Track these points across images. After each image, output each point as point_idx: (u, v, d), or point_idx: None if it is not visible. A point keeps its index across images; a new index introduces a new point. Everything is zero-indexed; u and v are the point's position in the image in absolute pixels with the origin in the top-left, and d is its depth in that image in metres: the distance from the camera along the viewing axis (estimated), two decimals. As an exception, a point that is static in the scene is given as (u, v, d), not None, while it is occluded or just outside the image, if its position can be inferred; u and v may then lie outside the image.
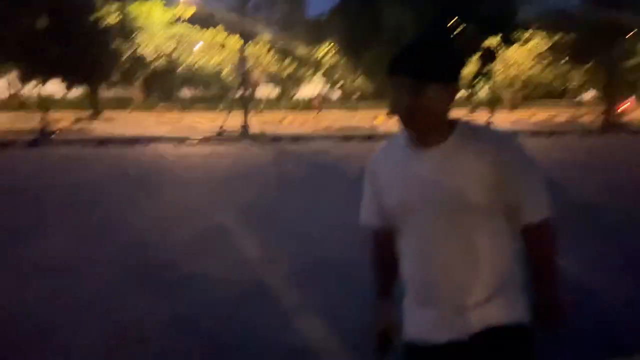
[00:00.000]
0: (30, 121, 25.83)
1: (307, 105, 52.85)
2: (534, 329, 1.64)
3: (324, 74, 49.60)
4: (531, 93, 50.20)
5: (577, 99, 56.19)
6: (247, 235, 6.31)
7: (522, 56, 40.96)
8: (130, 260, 5.30)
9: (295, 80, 51.90)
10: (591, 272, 4.81)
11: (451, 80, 1.55)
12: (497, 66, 40.98)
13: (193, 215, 7.37)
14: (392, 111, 1.56)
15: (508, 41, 22.25)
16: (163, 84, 51.22)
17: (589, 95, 58.80)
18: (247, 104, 22.85)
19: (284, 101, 54.33)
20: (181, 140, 18.04)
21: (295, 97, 57.05)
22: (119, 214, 7.40)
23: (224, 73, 47.90)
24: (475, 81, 24.54)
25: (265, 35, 41.89)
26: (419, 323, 1.67)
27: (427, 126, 1.55)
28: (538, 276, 1.67)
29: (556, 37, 37.90)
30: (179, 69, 43.21)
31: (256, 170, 12.14)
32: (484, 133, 1.61)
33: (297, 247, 5.75)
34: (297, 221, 7.03)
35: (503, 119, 32.57)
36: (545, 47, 39.43)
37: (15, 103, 43.64)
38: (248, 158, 14.84)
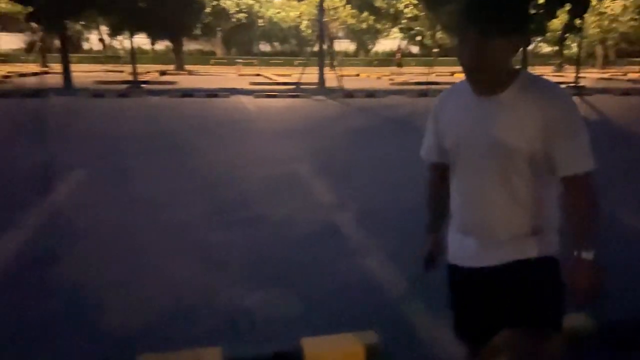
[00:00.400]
0: (120, 74, 27.43)
1: (385, 59, 51.96)
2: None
3: (403, 28, 48.35)
4: (627, 49, 46.57)
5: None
6: (318, 181, 6.64)
7: (618, 8, 37.95)
8: (212, 198, 5.80)
9: (373, 34, 51.02)
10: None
11: (515, 33, 1.65)
12: (590, 19, 38.23)
13: (269, 161, 7.80)
14: (459, 61, 1.71)
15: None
16: (243, 37, 52.16)
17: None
18: (323, 58, 22.95)
19: (361, 55, 53.72)
20: (259, 93, 18.57)
21: (372, 51, 56.22)
22: (202, 158, 7.97)
23: (302, 26, 47.98)
24: (566, 36, 23.07)
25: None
26: (460, 249, 1.87)
27: (489, 76, 1.69)
28: (571, 228, 1.73)
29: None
30: (259, 23, 43.67)
31: (330, 122, 12.41)
32: (540, 85, 1.71)
33: (364, 194, 6.02)
34: (366, 170, 7.29)
35: (593, 77, 30.65)
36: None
37: (105, 56, 46.04)
38: (323, 110, 15.11)
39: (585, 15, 25.33)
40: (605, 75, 32.24)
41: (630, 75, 32.30)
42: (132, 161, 7.66)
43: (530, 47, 37.88)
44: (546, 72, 38.23)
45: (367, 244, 4.52)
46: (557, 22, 29.48)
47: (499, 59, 1.65)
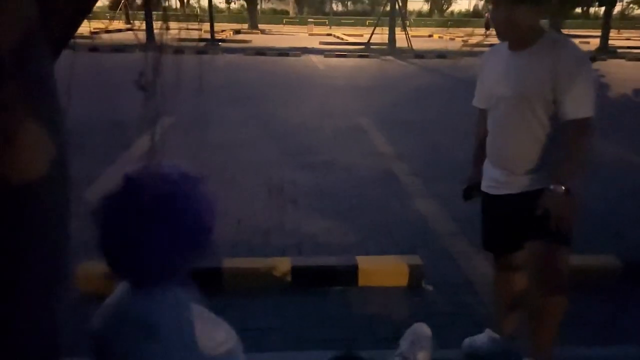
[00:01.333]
0: (197, 32, 28.39)
1: (460, 20, 50.26)
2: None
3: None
4: None
5: None
6: (380, 134, 7.09)
7: None
8: (285, 144, 6.43)
9: (448, -6, 49.40)
10: None
11: (539, 2, 2.03)
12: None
13: (336, 115, 8.30)
14: (492, 23, 2.11)
15: None
16: (315, -3, 51.99)
17: None
18: (394, 17, 22.79)
19: (435, 15, 52.23)
20: (329, 52, 18.91)
21: (447, 11, 54.49)
22: (276, 110, 8.60)
23: (375, -14, 47.13)
24: None
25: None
26: (490, 179, 2.30)
27: (518, 35, 2.08)
28: (560, 164, 2.03)
29: None
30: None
31: (396, 81, 12.66)
32: (558, 43, 2.06)
33: (423, 148, 6.43)
34: (427, 126, 7.67)
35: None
36: None
37: (184, 14, 47.20)
38: (391, 70, 15.32)
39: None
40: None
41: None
42: (213, 111, 8.38)
43: (618, 9, 35.40)
44: (635, 35, 35.80)
45: (420, 189, 4.97)
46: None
47: (525, 21, 2.02)
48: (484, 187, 2.35)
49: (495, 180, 2.27)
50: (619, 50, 21.74)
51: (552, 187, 2.03)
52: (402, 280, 3.27)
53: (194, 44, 21.08)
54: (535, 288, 2.17)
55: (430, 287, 3.26)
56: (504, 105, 2.17)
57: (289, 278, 3.21)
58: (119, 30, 29.78)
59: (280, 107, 8.86)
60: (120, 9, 34.55)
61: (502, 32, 2.11)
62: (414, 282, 3.27)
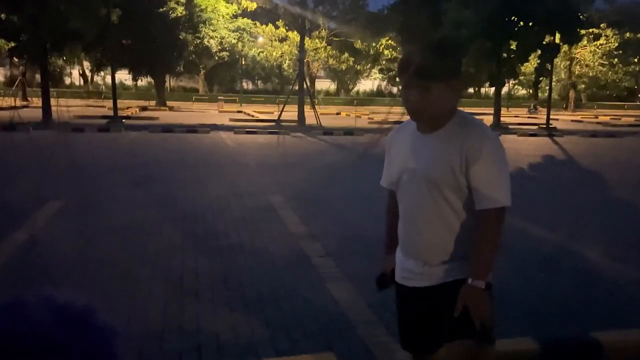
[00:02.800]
0: (100, 109, 27.58)
1: (365, 99, 52.99)
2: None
3: (383, 69, 49.59)
4: (597, 93, 48.33)
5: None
6: (293, 213, 6.83)
7: (588, 54, 39.57)
8: (189, 227, 5.95)
9: (353, 74, 52.18)
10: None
11: (451, 79, 1.86)
12: (562, 64, 39.75)
13: (246, 194, 7.97)
14: (403, 103, 1.91)
15: (571, 40, 21.63)
16: (225, 75, 52.85)
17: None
18: (303, 96, 23.44)
19: (342, 95, 54.74)
20: (239, 129, 18.85)
21: (353, 91, 57.37)
22: (181, 190, 8.11)
23: (284, 66, 48.93)
24: (540, 79, 23.99)
25: (324, 30, 42.40)
26: (402, 269, 2.08)
27: (429, 117, 1.90)
28: (473, 255, 1.88)
29: (627, 35, 36.43)
30: (241, 62, 44.40)
31: (306, 158, 12.68)
32: (468, 124, 1.91)
33: (335, 226, 6.22)
34: (339, 203, 7.52)
35: (565, 119, 31.67)
36: (615, 45, 37.95)
37: (87, 91, 46.15)
38: (301, 146, 15.42)
39: (557, 60, 26.41)
40: (577, 118, 33.35)
41: (601, 118, 33.47)
42: (110, 192, 7.77)
43: (505, 90, 39.03)
44: (521, 113, 39.37)
45: (333, 271, 4.69)
46: (531, 66, 30.65)
47: (436, 101, 1.85)
48: (398, 277, 2.11)
49: (409, 270, 2.04)
50: (510, 127, 23.58)
51: (470, 281, 1.84)
52: (317, 383, 2.90)
53: (95, 121, 20.33)
54: None
55: (347, 390, 2.90)
56: (413, 191, 1.97)
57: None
58: (14, 108, 28.26)
59: (185, 188, 8.39)
60: (17, 86, 32.97)
61: (412, 112, 1.93)
62: (330, 385, 2.90)
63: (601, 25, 33.10)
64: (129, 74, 38.79)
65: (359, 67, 48.36)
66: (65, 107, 21.92)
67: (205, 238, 5.60)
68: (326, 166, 11.39)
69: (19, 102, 31.62)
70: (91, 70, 46.29)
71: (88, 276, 4.43)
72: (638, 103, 52.02)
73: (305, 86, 23.20)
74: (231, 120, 24.17)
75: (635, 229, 6.62)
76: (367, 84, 59.76)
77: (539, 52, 21.18)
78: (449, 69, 1.87)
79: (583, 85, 45.25)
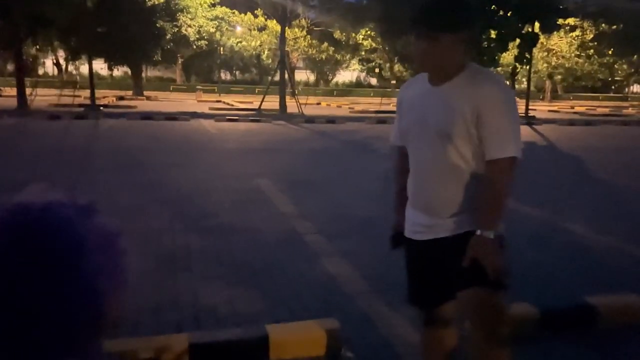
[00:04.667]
0: (76, 98, 27.00)
1: (344, 90, 53.00)
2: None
3: (362, 60, 49.60)
4: (573, 84, 49.17)
5: (623, 92, 54.55)
6: (281, 194, 6.80)
7: (564, 45, 40.15)
8: (179, 209, 5.87)
9: (332, 65, 52.09)
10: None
11: (460, 30, 1.86)
12: (539, 55, 40.26)
13: (232, 177, 7.90)
14: (414, 55, 1.92)
15: (549, 29, 21.89)
16: (203, 65, 52.29)
17: (635, 88, 56.98)
18: (285, 85, 23.33)
19: (321, 85, 54.64)
20: (220, 117, 18.67)
21: (332, 82, 57.29)
22: (167, 174, 8.00)
23: (262, 56, 48.58)
24: (517, 70, 24.26)
25: (304, 20, 42.16)
26: (414, 224, 2.07)
27: (438, 69, 1.90)
28: (482, 206, 1.88)
29: (602, 27, 37.01)
30: (220, 52, 43.93)
31: (290, 144, 12.61)
32: (481, 75, 1.91)
33: (324, 206, 6.22)
34: (324, 185, 7.52)
35: (543, 109, 32.13)
36: (590, 37, 38.57)
37: (61, 81, 45.18)
38: (283, 133, 15.34)
39: (535, 51, 26.71)
40: (554, 108, 33.87)
41: (577, 109, 34.06)
42: (95, 177, 7.61)
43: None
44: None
45: (326, 247, 4.68)
46: (509, 57, 30.96)
47: (446, 52, 1.85)
48: (408, 232, 2.11)
49: (419, 224, 2.03)
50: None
51: (479, 232, 1.84)
52: (320, 349, 2.89)
53: (72, 109, 19.90)
54: (477, 341, 1.93)
55: (350, 355, 2.90)
56: (425, 144, 1.96)
57: (185, 358, 2.69)
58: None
59: (170, 172, 8.25)
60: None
61: (422, 63, 1.93)
62: (333, 350, 2.90)
63: (577, 17, 33.59)
64: (105, 63, 38.08)
65: (338, 58, 48.29)
66: (33, 95, 21.33)
67: (195, 218, 5.53)
68: (311, 151, 11.35)
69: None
70: (65, 60, 45.34)
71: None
72: (612, 94, 53.05)
73: (286, 75, 23.08)
74: (211, 109, 23.93)
75: (615, 205, 6.77)
76: (346, 75, 59.72)
77: (518, 41, 21.37)
78: (458, 20, 1.86)
79: (559, 76, 45.95)
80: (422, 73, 2.06)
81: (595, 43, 38.79)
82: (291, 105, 22.65)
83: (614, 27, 35.69)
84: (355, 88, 55.64)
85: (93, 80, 23.29)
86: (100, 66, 42.60)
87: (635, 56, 39.23)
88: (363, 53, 47.21)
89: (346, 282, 3.92)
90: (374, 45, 44.17)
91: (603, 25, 36.47)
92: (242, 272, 4.05)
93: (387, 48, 41.37)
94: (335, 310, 3.38)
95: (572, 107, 35.53)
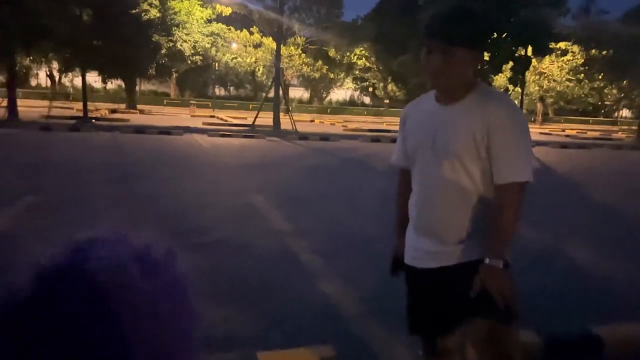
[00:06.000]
0: (69, 110, 26.86)
1: (338, 108, 53.18)
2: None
3: (356, 78, 49.86)
4: (564, 107, 49.67)
5: (612, 116, 55.20)
6: (276, 211, 6.69)
7: (556, 69, 40.62)
8: (172, 225, 5.73)
9: (327, 83, 52.31)
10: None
11: (476, 46, 1.80)
12: (531, 78, 40.70)
13: (226, 193, 7.79)
14: (424, 70, 1.83)
15: (542, 53, 22.14)
16: (197, 80, 52.29)
17: (624, 113, 57.70)
18: (278, 102, 23.32)
19: (315, 103, 54.81)
20: (213, 132, 18.57)
21: (326, 100, 57.49)
22: (160, 189, 7.87)
23: (257, 72, 48.70)
24: (509, 92, 24.47)
25: (300, 38, 42.41)
26: (416, 250, 1.96)
27: (451, 85, 1.83)
28: (491, 233, 1.79)
29: (592, 52, 37.54)
30: (214, 67, 43.97)
31: (284, 160, 12.53)
32: (492, 95, 1.85)
33: (320, 224, 6.12)
34: (322, 203, 7.42)
35: (534, 131, 32.37)
36: (581, 61, 39.06)
37: (54, 92, 44.95)
38: (278, 149, 15.26)
39: (527, 74, 26.97)
40: (545, 131, 34.13)
41: (568, 132, 34.34)
42: (86, 190, 7.47)
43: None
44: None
45: (322, 268, 4.57)
46: (502, 80, 31.26)
47: (458, 68, 1.78)
48: (409, 259, 2.00)
49: (422, 250, 1.93)
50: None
51: (487, 261, 1.75)
52: (315, 376, 2.77)
53: (64, 121, 19.74)
54: None
55: (347, 383, 2.79)
56: (432, 165, 1.87)
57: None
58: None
59: (162, 186, 8.13)
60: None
61: (434, 79, 1.85)
62: (329, 378, 2.78)
63: (568, 42, 34.02)
64: (99, 75, 37.91)
65: (332, 76, 48.46)
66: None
67: (189, 234, 5.40)
68: (305, 168, 11.26)
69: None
70: (59, 71, 45.13)
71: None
72: (602, 118, 53.62)
73: (280, 92, 23.10)
74: (204, 124, 23.83)
75: (618, 230, 6.70)
76: (340, 93, 59.93)
77: (511, 64, 21.56)
78: (475, 34, 1.80)
79: (551, 100, 46.42)
80: (427, 93, 1.99)
81: (586, 67, 39.29)
82: (285, 122, 22.61)
83: (604, 52, 36.23)
84: (348, 106, 55.83)
85: (86, 93, 23.15)
86: (94, 79, 42.47)
87: (625, 81, 39.78)
88: (357, 72, 47.46)
89: (343, 303, 3.80)
90: (368, 64, 44.44)
91: (593, 50, 37.00)
92: (237, 291, 3.93)
93: (381, 68, 41.65)
94: (330, 334, 3.27)
95: (563, 130, 35.84)
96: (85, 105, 22.07)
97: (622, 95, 45.68)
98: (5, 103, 21.23)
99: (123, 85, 40.20)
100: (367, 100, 59.21)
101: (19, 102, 21.46)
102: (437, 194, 1.88)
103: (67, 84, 52.34)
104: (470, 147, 1.79)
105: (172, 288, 0.61)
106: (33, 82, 53.37)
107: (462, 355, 2.08)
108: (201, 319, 0.62)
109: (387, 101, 47.76)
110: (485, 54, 20.49)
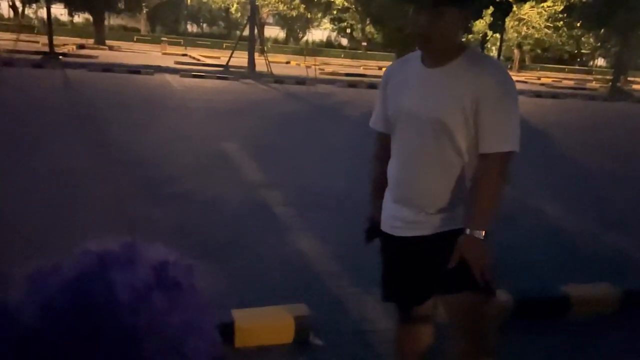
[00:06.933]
0: (33, 45, 25.58)
1: (314, 49, 52.07)
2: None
3: (333, 19, 48.60)
4: (540, 55, 49.60)
5: (588, 65, 55.49)
6: (248, 160, 6.55)
7: (535, 15, 40.22)
8: (140, 173, 5.57)
9: (304, 23, 50.94)
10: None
11: (465, 5, 1.71)
12: (509, 24, 40.27)
13: (197, 139, 7.59)
14: (412, 30, 1.72)
15: (522, -1, 21.77)
16: (169, 16, 50.32)
17: (599, 62, 58.01)
18: (254, 42, 22.60)
19: (291, 43, 53.52)
20: (186, 72, 17.99)
21: (303, 40, 56.16)
22: (127, 133, 7.61)
23: (231, 9, 47.02)
24: (487, 38, 24.17)
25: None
26: (394, 218, 1.90)
27: (439, 47, 1.72)
28: (472, 203, 1.74)
29: (572, -1, 37.11)
30: (187, 2, 42.24)
31: (259, 106, 12.26)
32: (482, 61, 1.75)
33: (294, 175, 6.03)
34: (296, 153, 7.30)
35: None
36: (560, 8, 38.70)
37: (18, 25, 42.72)
38: (252, 93, 14.91)
39: (506, 20, 26.56)
40: (521, 78, 34.12)
41: (543, 80, 34.41)
42: (46, 133, 7.18)
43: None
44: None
45: (296, 221, 4.51)
46: (481, 25, 30.81)
47: (448, 28, 1.68)
48: (386, 227, 1.94)
49: (400, 219, 1.86)
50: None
51: (468, 231, 1.69)
52: (288, 336, 2.75)
53: (28, 56, 18.81)
54: (463, 349, 1.81)
55: (319, 342, 2.77)
56: (415, 131, 1.77)
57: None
58: None
59: (130, 131, 7.85)
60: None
61: (422, 40, 1.72)
62: (301, 336, 2.77)
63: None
64: (65, 8, 36.10)
65: (309, 15, 47.10)
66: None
67: (157, 184, 5.26)
68: (280, 115, 11.02)
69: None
70: (22, 2, 42.77)
71: (27, 224, 4.04)
72: (578, 67, 53.83)
73: (255, 31, 22.34)
74: (176, 63, 23.05)
75: (587, 186, 6.79)
76: (317, 34, 58.52)
77: (492, 9, 21.18)
78: None
79: (528, 47, 46.21)
80: (412, 53, 1.87)
81: (565, 15, 38.98)
82: (260, 63, 22.01)
83: (584, -1, 35.87)
84: (325, 48, 54.70)
85: (52, 26, 22.00)
86: (60, 11, 40.42)
87: (602, 30, 39.71)
88: (335, 12, 46.16)
89: (316, 260, 3.78)
90: (346, 4, 43.21)
91: (573, -2, 36.59)
92: (207, 246, 3.84)
93: (359, 8, 40.57)
94: (304, 291, 3.25)
95: (539, 78, 35.88)
96: (50, 40, 20.98)
97: (599, 44, 45.73)
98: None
99: (91, 19, 38.39)
100: (344, 42, 58.02)
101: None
102: (419, 162, 1.80)
103: (32, 15, 49.79)
104: (458, 115, 1.70)
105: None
106: (-6, 14, 50.54)
107: (432, 324, 2.07)
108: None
109: (364, 44, 46.90)
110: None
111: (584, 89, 28.43)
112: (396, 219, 1.89)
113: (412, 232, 1.84)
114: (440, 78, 1.73)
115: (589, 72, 51.21)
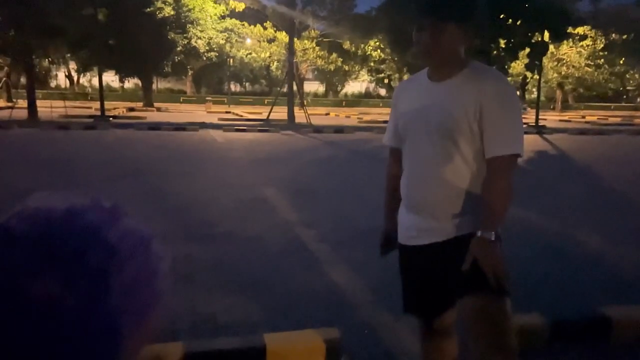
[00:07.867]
0: (86, 110, 27.20)
1: (353, 100, 52.97)
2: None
3: (371, 71, 49.59)
4: (583, 94, 48.77)
5: (635, 102, 54.06)
6: (286, 202, 6.71)
7: (574, 54, 39.90)
8: (179, 217, 5.79)
9: (341, 76, 52.15)
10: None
11: (466, 20, 1.82)
12: (549, 65, 40.05)
13: (238, 187, 7.83)
14: (415, 47, 1.85)
15: (559, 38, 21.74)
16: (213, 77, 52.60)
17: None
18: (292, 96, 23.32)
19: (330, 96, 54.72)
20: (228, 127, 18.66)
21: (341, 93, 57.36)
22: (173, 184, 7.93)
23: (272, 67, 48.80)
24: (527, 80, 24.15)
25: (314, 31, 42.32)
26: (408, 228, 1.97)
27: (442, 61, 1.84)
28: (485, 207, 1.79)
29: (612, 36, 36.81)
30: (229, 63, 44.15)
31: (298, 153, 12.55)
32: (485, 72, 1.85)
33: (329, 215, 6.12)
34: (333, 196, 7.41)
35: (554, 119, 31.87)
36: (600, 46, 38.31)
37: (72, 93, 45.59)
38: (292, 143, 15.28)
39: (545, 61, 26.53)
40: (565, 118, 33.57)
41: (588, 118, 33.72)
42: (94, 186, 7.57)
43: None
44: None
45: (330, 256, 4.57)
46: (519, 67, 30.79)
47: (449, 43, 1.80)
48: (401, 238, 2.01)
49: (414, 228, 1.93)
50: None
51: (479, 234, 1.74)
52: (319, 359, 2.78)
53: (81, 120, 20.02)
54: (479, 354, 1.81)
55: (350, 365, 2.79)
56: (424, 141, 1.88)
57: (181, 369, 2.59)
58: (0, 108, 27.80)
59: (175, 181, 8.19)
60: (1, 87, 32.47)
61: (426, 55, 1.85)
62: (332, 359, 2.79)
63: (587, 27, 33.36)
64: (116, 75, 38.39)
65: (347, 68, 48.27)
66: (50, 107, 21.57)
67: (197, 227, 5.45)
68: (318, 161, 11.27)
69: (3, 104, 31.12)
70: (77, 72, 45.79)
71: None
72: (624, 104, 52.55)
73: (294, 86, 23.10)
74: (220, 119, 23.97)
75: (630, 216, 6.58)
76: (355, 86, 59.74)
77: (528, 50, 21.21)
78: (464, 10, 1.82)
79: (570, 86, 45.64)
80: (420, 72, 2.00)
81: (606, 52, 38.54)
82: (300, 116, 22.63)
83: (625, 36, 35.47)
84: (364, 99, 55.64)
85: (103, 92, 23.44)
86: (111, 78, 43.00)
87: (647, 66, 38.93)
88: (372, 64, 47.17)
89: (350, 291, 3.81)
90: (383, 56, 44.12)
91: (614, 34, 36.26)
92: (245, 281, 3.95)
93: (396, 59, 41.31)
94: (337, 319, 3.28)
95: (583, 117, 35.18)
96: (102, 104, 22.32)
97: (644, 80, 44.74)
98: (21, 104, 21.61)
99: (140, 84, 40.62)
100: (383, 92, 58.89)
101: (39, 103, 21.79)
102: (429, 170, 1.89)
103: (86, 84, 53.11)
104: (463, 124, 1.79)
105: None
106: (52, 84, 54.20)
107: (457, 334, 2.08)
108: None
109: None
110: (501, 40, 20.22)
111: (631, 124, 27.64)
112: (410, 228, 1.96)
113: (425, 240, 1.91)
114: (445, 90, 1.84)
115: (636, 109, 49.87)
